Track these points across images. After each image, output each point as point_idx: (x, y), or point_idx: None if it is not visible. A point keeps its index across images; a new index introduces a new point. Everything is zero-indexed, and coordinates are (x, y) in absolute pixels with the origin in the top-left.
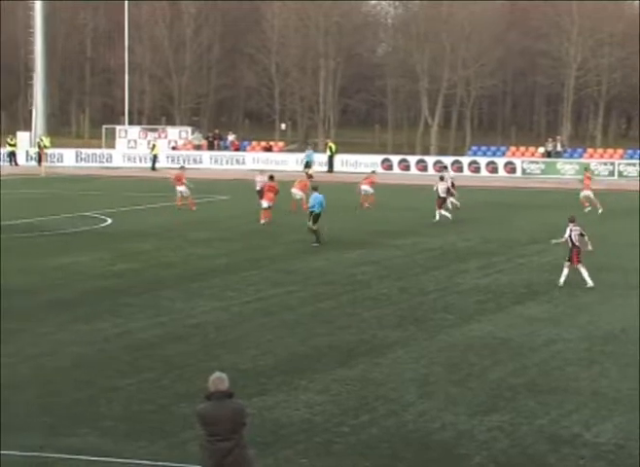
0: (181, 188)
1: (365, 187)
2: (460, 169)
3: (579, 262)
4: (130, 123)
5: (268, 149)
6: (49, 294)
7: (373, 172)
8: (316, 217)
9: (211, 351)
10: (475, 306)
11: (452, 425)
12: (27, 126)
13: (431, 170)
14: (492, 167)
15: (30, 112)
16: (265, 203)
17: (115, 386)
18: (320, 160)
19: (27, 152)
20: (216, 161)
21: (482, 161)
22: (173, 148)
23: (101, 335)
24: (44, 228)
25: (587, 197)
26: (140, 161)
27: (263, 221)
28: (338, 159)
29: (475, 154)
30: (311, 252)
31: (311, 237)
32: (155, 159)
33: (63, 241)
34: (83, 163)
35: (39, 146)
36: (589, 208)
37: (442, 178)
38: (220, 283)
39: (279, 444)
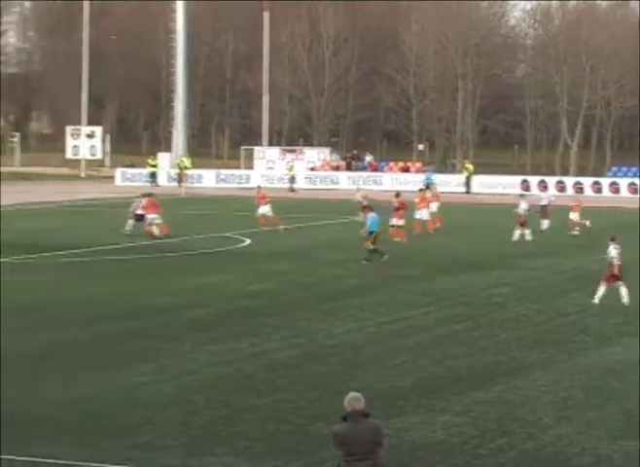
0: (265, 207)
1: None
2: (599, 190)
3: (617, 279)
4: (269, 144)
5: (406, 170)
6: (188, 314)
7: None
8: (376, 236)
9: (347, 372)
10: (613, 329)
11: (592, 450)
12: (168, 147)
13: (570, 191)
14: (633, 189)
15: (171, 133)
16: (395, 221)
17: (251, 406)
18: (458, 180)
19: (168, 172)
20: (353, 182)
21: (623, 182)
22: (311, 169)
23: (239, 354)
24: (186, 248)
25: None
26: (278, 181)
27: (397, 239)
28: (476, 180)
29: (615, 175)
30: (445, 273)
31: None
32: (293, 179)
33: (204, 261)
34: (222, 184)
35: (179, 167)
36: None
37: (522, 196)
38: (354, 304)
39: (415, 465)
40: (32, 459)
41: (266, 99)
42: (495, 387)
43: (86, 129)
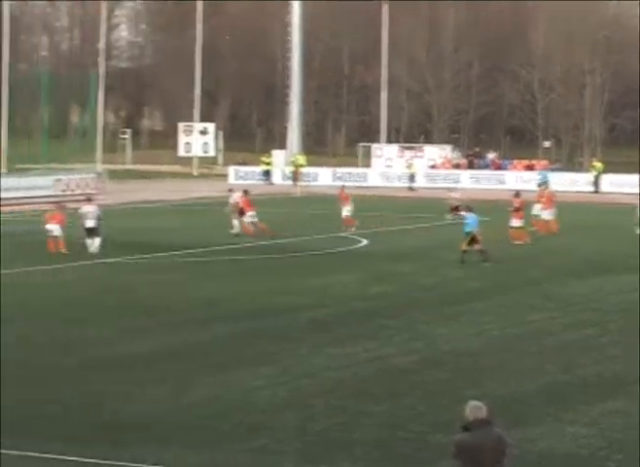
0: (348, 208)
1: None
2: None
3: None
4: (387, 141)
5: (531, 168)
6: (307, 315)
7: None
8: (473, 237)
9: (468, 378)
10: None
11: None
12: (282, 144)
13: None
14: None
15: (286, 130)
16: (515, 222)
17: (368, 412)
18: (586, 179)
19: (283, 170)
20: (476, 181)
21: None
22: (431, 167)
23: (356, 358)
24: (303, 248)
25: None
26: (397, 180)
27: (518, 242)
28: (606, 179)
29: None
30: (573, 276)
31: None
32: (412, 178)
33: (321, 262)
34: (338, 183)
35: (294, 165)
36: None
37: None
38: (476, 307)
39: None
40: (138, 466)
41: (384, 95)
42: (627, 397)
43: (198, 126)
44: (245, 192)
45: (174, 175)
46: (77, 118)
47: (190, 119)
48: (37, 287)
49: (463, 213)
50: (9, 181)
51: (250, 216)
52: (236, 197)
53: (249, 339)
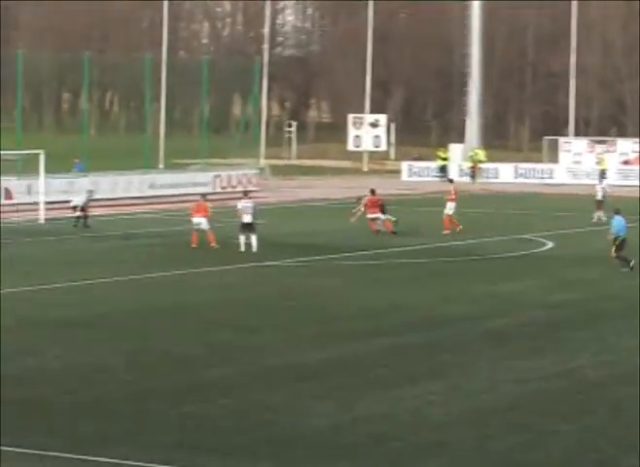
0: (451, 204)
1: None
2: None
3: None
4: (576, 134)
5: None
6: (483, 324)
7: None
8: (622, 243)
9: None
10: None
11: None
12: (460, 138)
13: None
14: None
15: (464, 122)
16: None
17: (554, 431)
18: None
19: (460, 166)
20: None
21: None
22: (624, 162)
23: (539, 372)
24: (480, 251)
25: None
26: (586, 177)
27: None
28: None
29: None
30: None
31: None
32: (603, 174)
33: (501, 266)
34: (521, 179)
35: (473, 160)
36: None
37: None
38: None
39: None
40: None
41: (572, 83)
42: None
43: (369, 118)
44: (372, 191)
45: (342, 171)
46: (239, 110)
47: (360, 110)
48: (201, 289)
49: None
50: (166, 177)
51: (376, 216)
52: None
53: (420, 350)
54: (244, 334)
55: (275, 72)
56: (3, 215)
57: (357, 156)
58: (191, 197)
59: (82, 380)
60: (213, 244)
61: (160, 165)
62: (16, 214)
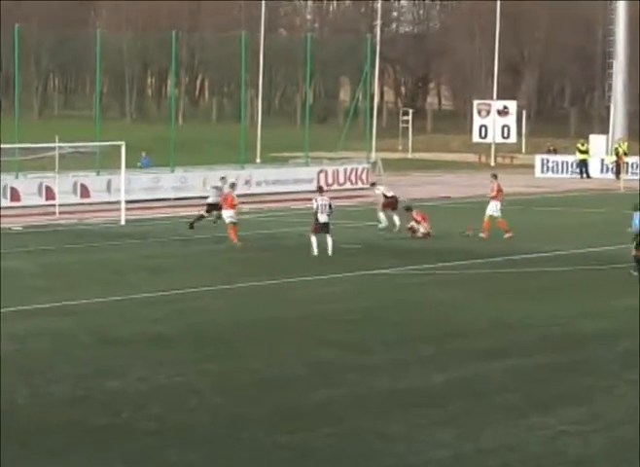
0: (495, 204)
1: None
2: None
3: None
4: None
5: None
6: (623, 343)
7: None
8: None
9: None
10: None
11: None
12: (603, 128)
13: None
14: None
15: (608, 110)
16: None
17: None
18: None
19: (602, 161)
20: None
21: None
22: None
23: None
24: (620, 259)
25: None
26: None
27: None
28: None
29: None
30: None
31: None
32: None
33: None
34: None
35: (617, 153)
36: None
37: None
38: None
39: None
40: None
41: None
42: None
43: (497, 105)
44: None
45: (466, 166)
46: (347, 96)
47: (486, 96)
48: (299, 301)
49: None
50: (263, 173)
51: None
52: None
53: (553, 373)
54: (350, 352)
55: (389, 52)
56: (79, 215)
57: (483, 148)
58: (291, 196)
59: (168, 404)
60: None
61: (257, 160)
62: (94, 214)
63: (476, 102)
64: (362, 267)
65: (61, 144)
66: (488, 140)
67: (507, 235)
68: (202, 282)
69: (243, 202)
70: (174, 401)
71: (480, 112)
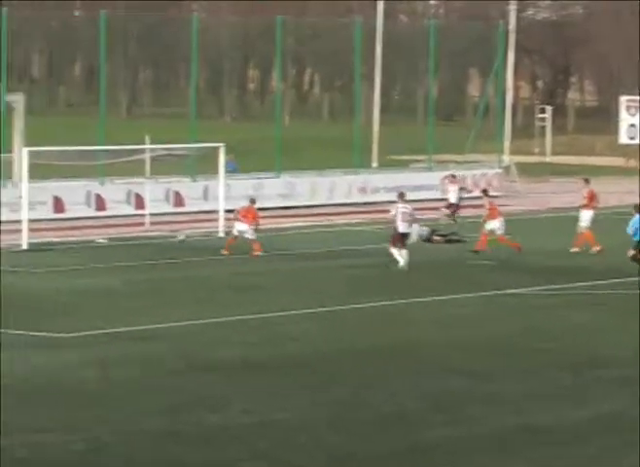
0: (587, 213)
1: None
2: None
3: None
4: None
5: None
6: None
7: None
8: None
9: None
10: None
11: None
12: None
13: None
14: None
15: None
16: None
17: None
18: None
19: None
20: None
21: None
22: None
23: None
24: None
25: None
26: None
27: None
28: None
29: None
30: None
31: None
32: None
33: None
34: None
35: None
36: None
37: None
38: None
39: None
40: None
41: None
42: None
43: None
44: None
45: (612, 171)
46: (476, 90)
47: (635, 91)
48: (418, 324)
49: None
50: (380, 178)
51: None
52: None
53: None
54: (475, 383)
55: (525, 41)
56: (172, 226)
57: (631, 151)
58: (412, 205)
59: (274, 441)
60: (257, 253)
61: (374, 163)
62: (188, 225)
63: (623, 98)
64: (491, 286)
65: (152, 146)
66: (637, 141)
67: (595, 249)
68: (304, 303)
69: (356, 212)
70: (282, 437)
71: (628, 109)
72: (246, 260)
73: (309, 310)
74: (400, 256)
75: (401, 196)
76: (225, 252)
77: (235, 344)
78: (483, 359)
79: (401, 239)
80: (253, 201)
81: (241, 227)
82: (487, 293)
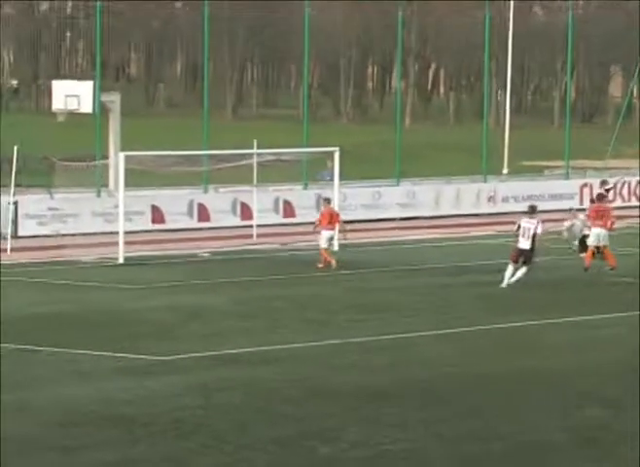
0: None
1: None
2: None
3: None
4: None
5: None
6: None
7: None
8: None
9: None
10: None
11: None
12: None
13: None
14: None
15: None
16: None
17: None
18: None
19: None
20: None
21: None
22: None
23: None
24: None
25: None
26: None
27: None
28: None
29: None
30: None
31: None
32: None
33: None
34: None
35: None
36: None
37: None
38: None
39: None
40: None
41: None
42: None
43: None
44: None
45: None
46: (619, 90)
47: None
48: (558, 347)
49: None
50: (512, 186)
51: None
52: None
53: None
54: (624, 414)
55: None
56: (282, 238)
57: None
58: (546, 216)
59: None
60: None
61: (505, 170)
62: (299, 238)
63: None
64: (631, 305)
65: (261, 150)
66: None
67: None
68: (430, 323)
69: (485, 224)
70: None
71: None
72: (367, 275)
73: (436, 332)
74: (508, 272)
75: (532, 209)
76: (320, 265)
77: (353, 370)
78: (631, 386)
79: (520, 256)
80: (328, 201)
81: (329, 233)
82: (633, 313)
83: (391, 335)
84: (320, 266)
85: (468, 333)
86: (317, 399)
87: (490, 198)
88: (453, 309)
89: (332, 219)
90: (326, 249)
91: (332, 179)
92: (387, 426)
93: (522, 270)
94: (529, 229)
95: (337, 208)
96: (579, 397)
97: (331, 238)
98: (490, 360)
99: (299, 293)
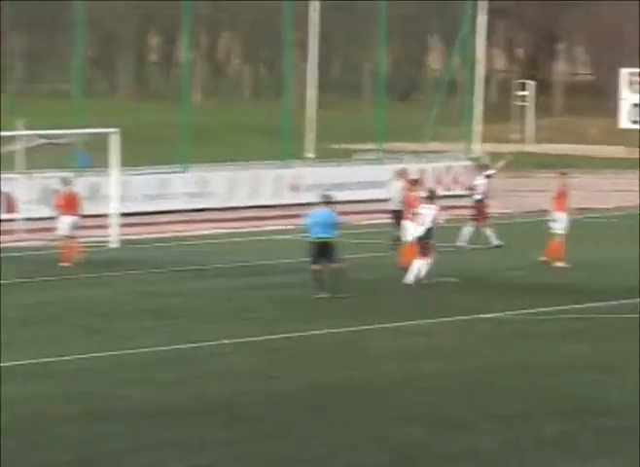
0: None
1: None
2: None
3: None
4: None
5: None
6: None
7: None
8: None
9: None
10: None
11: None
12: None
13: None
14: None
15: None
16: None
17: None
18: None
19: None
20: None
21: None
22: None
23: None
24: None
25: None
26: None
27: None
28: None
29: None
30: None
31: None
32: None
33: None
34: None
35: None
36: None
37: None
38: None
39: None
40: None
41: None
42: None
43: None
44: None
45: (611, 163)
46: (438, 63)
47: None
48: (378, 357)
49: None
50: (317, 173)
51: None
52: None
53: None
54: (438, 432)
55: (499, 1)
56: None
57: (632, 136)
58: (356, 207)
59: None
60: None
61: (309, 154)
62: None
63: (624, 71)
64: (460, 309)
65: (27, 132)
66: None
67: (557, 264)
68: (223, 331)
69: (286, 216)
70: None
71: (630, 85)
72: (149, 275)
73: (234, 340)
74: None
75: (431, 193)
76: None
77: (141, 383)
78: (449, 402)
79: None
80: (67, 182)
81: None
82: (455, 318)
83: (182, 344)
84: (65, 264)
85: (269, 341)
86: (99, 419)
87: (293, 187)
88: (252, 314)
89: (73, 202)
90: (69, 238)
91: (89, 165)
92: (182, 447)
93: (424, 265)
94: (425, 215)
95: (115, 201)
96: (398, 412)
97: (73, 225)
98: (300, 372)
99: (66, 297)
